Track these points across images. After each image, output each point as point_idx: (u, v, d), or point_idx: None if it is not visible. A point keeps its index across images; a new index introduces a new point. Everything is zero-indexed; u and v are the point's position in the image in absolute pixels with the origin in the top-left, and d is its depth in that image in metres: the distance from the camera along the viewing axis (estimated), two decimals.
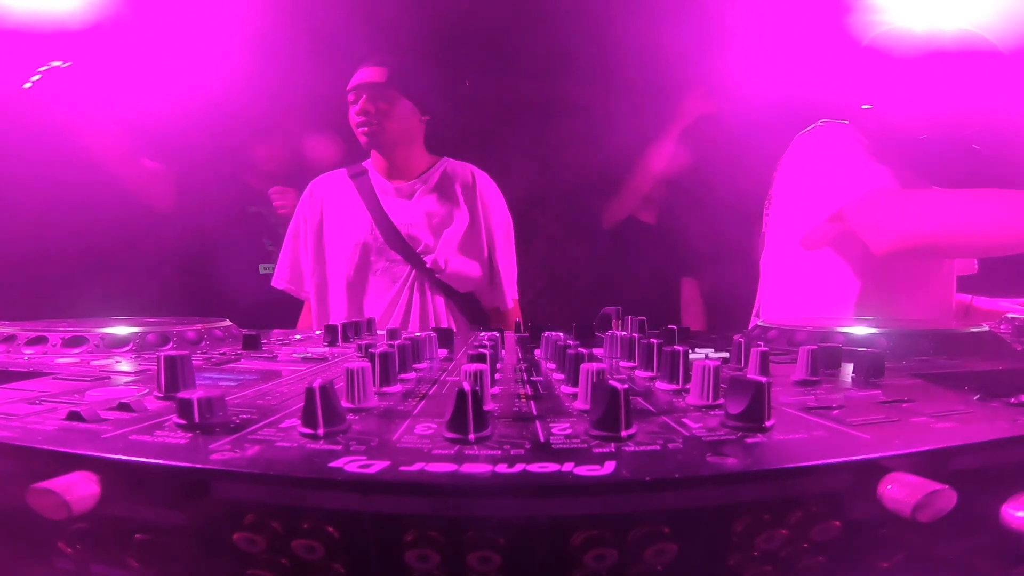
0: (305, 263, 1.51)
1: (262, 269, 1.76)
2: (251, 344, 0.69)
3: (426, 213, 1.43)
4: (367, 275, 1.45)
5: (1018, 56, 1.14)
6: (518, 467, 0.26)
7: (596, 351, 0.61)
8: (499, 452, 0.28)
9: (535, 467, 0.26)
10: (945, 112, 1.15)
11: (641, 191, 2.04)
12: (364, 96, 1.36)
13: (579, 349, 0.44)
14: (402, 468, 0.25)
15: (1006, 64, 1.12)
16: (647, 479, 0.25)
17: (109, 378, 0.49)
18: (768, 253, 1.39)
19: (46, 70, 1.40)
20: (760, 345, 0.47)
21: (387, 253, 1.43)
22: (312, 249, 1.49)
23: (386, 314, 1.43)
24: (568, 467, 0.25)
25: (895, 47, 1.20)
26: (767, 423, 0.31)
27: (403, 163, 1.47)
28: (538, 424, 0.33)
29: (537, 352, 0.66)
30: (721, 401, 0.37)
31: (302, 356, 0.64)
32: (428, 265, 1.41)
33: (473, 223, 1.46)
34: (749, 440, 0.30)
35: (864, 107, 1.26)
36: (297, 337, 0.86)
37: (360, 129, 1.39)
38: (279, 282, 1.53)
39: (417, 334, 0.61)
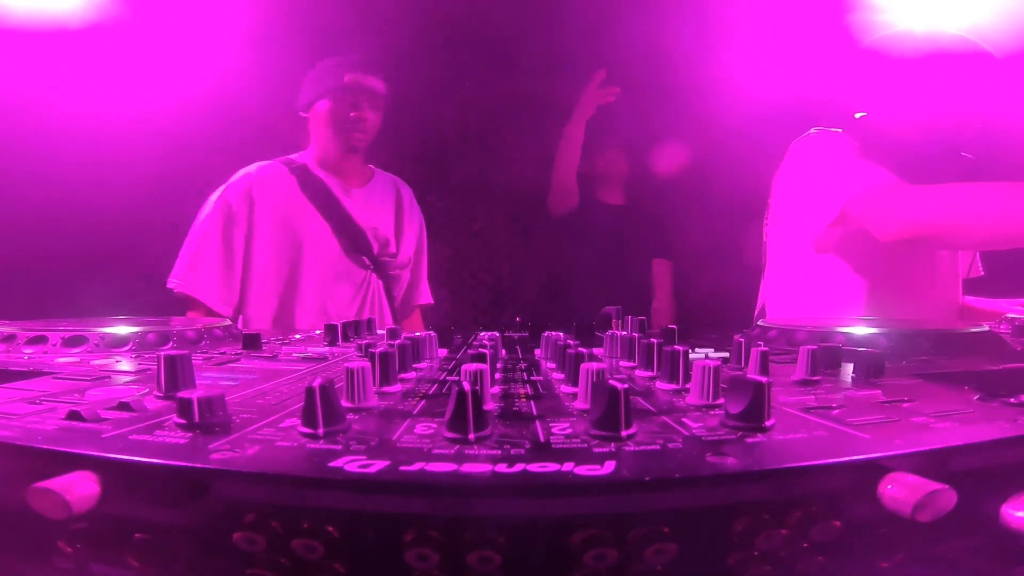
0: (224, 264, 1.35)
1: None
2: (251, 344, 0.69)
3: (384, 216, 1.50)
4: (321, 280, 1.39)
5: (1018, 58, 1.14)
6: (518, 467, 0.25)
7: (596, 351, 0.61)
8: (499, 452, 0.28)
9: (535, 467, 0.26)
10: (939, 117, 1.16)
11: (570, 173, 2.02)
12: (366, 102, 1.38)
13: (579, 349, 0.44)
14: (402, 468, 0.25)
15: (1001, 69, 1.13)
16: (647, 479, 0.25)
17: (109, 377, 0.49)
18: (772, 259, 1.39)
19: None
20: (760, 345, 0.47)
21: (346, 256, 1.42)
22: (241, 249, 1.35)
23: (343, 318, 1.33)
24: (568, 467, 0.25)
25: (891, 51, 1.20)
26: (767, 423, 0.31)
27: (352, 167, 1.48)
28: (538, 424, 0.33)
29: (537, 352, 0.66)
30: (721, 401, 0.37)
31: (302, 356, 0.64)
32: (390, 270, 1.47)
33: (411, 229, 1.56)
34: (749, 440, 0.30)
35: (858, 115, 1.26)
36: (297, 337, 0.86)
37: (353, 133, 1.39)
38: (178, 283, 1.32)
39: (417, 333, 0.61)
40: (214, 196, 1.38)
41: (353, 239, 1.42)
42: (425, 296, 1.61)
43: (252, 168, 1.42)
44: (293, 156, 1.47)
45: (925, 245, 1.17)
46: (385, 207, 1.52)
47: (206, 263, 1.34)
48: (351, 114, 1.37)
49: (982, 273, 1.39)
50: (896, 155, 1.16)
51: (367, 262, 1.45)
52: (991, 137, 1.18)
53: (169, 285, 1.34)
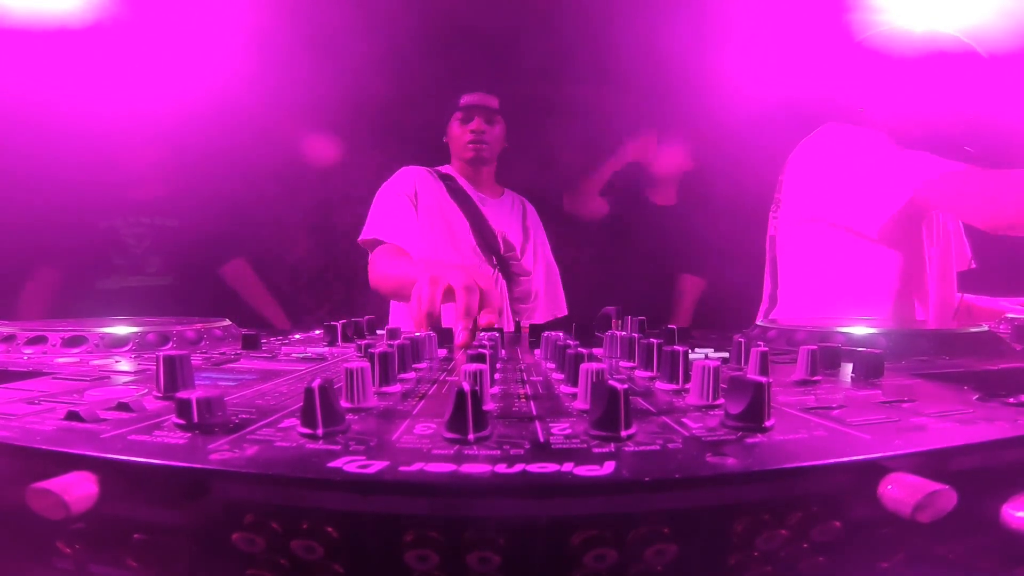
0: (409, 218, 1.49)
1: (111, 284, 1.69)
2: (251, 344, 0.69)
3: (513, 227, 1.66)
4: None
5: (1017, 57, 1.14)
6: (518, 467, 0.25)
7: (596, 351, 0.60)
8: (498, 452, 0.28)
9: (535, 467, 0.25)
10: (935, 114, 1.16)
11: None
12: (479, 117, 1.56)
13: (579, 349, 0.44)
14: (401, 468, 0.25)
15: (995, 69, 1.13)
16: (647, 479, 0.25)
17: (108, 378, 0.48)
18: (786, 254, 1.38)
19: None
20: (760, 345, 0.47)
21: (478, 249, 1.57)
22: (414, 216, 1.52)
23: None
24: (568, 467, 0.25)
25: (887, 48, 1.20)
26: (767, 423, 0.31)
27: (486, 180, 1.66)
28: (538, 424, 0.33)
29: (537, 352, 0.66)
30: (721, 401, 0.37)
31: (301, 356, 0.64)
32: (514, 270, 1.61)
33: (536, 241, 1.70)
34: (749, 440, 0.30)
35: (859, 110, 1.26)
36: (296, 337, 0.86)
37: (472, 145, 1.57)
38: (375, 231, 1.44)
39: (417, 334, 0.61)
40: (394, 176, 1.56)
41: (485, 238, 1.59)
42: (563, 308, 1.74)
43: (412, 167, 1.61)
44: (439, 168, 1.65)
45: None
46: (513, 220, 1.70)
47: (401, 215, 1.48)
48: (469, 127, 1.57)
49: (974, 266, 1.38)
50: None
51: (495, 261, 1.60)
52: (988, 133, 1.18)
53: (366, 238, 1.44)
